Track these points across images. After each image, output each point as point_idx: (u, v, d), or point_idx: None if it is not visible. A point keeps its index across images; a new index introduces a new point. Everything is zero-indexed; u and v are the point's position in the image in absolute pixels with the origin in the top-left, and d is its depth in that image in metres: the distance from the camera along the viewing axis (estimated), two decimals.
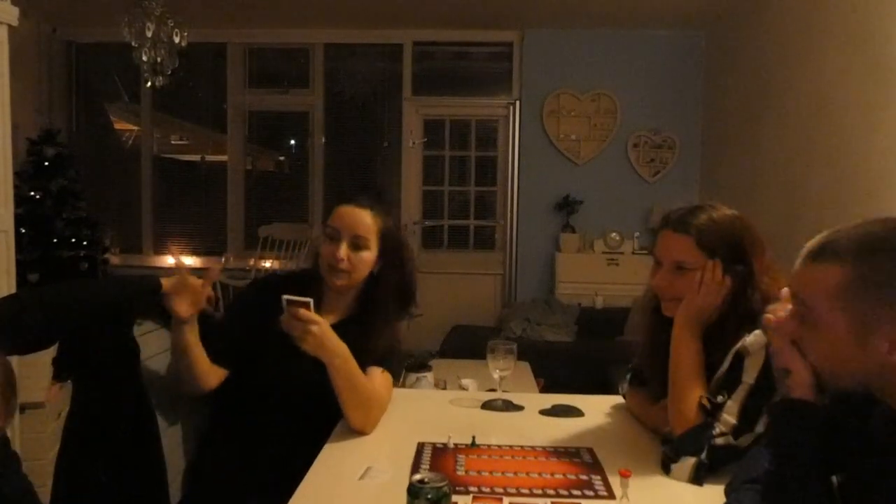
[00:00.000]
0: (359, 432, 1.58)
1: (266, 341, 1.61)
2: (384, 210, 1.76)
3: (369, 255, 1.70)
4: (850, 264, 0.92)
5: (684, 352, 1.43)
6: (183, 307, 1.54)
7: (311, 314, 1.48)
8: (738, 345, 1.36)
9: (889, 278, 0.91)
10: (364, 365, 1.63)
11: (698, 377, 1.41)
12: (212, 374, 1.62)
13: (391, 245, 1.73)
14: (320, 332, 1.49)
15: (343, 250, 1.66)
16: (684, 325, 1.44)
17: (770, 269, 1.44)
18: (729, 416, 1.33)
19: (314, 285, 1.70)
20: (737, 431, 1.32)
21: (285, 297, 1.48)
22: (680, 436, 1.37)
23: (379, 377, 1.67)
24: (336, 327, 1.62)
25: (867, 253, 0.92)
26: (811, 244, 0.99)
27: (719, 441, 1.32)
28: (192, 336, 1.58)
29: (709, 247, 1.42)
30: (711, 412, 1.35)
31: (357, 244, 1.68)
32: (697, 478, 1.32)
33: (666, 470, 1.36)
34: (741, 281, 1.42)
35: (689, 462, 1.33)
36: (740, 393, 1.33)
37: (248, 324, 1.66)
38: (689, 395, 1.39)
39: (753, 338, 1.34)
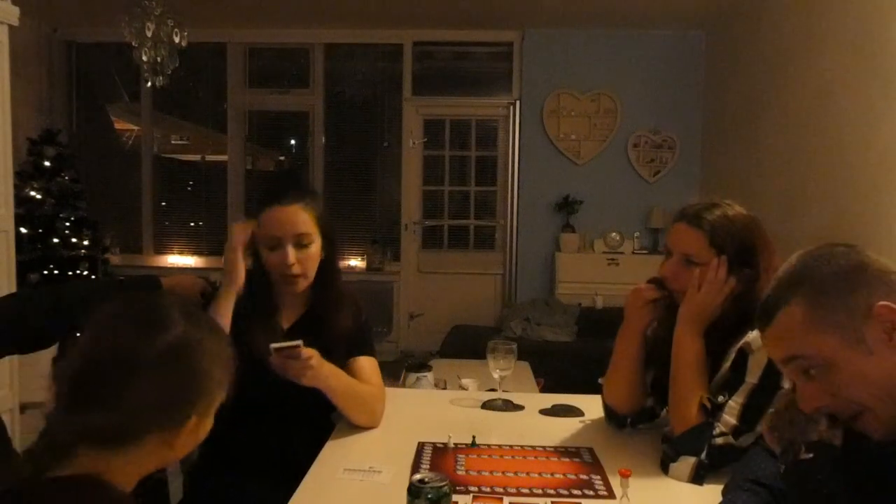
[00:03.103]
0: (368, 428, 1.61)
1: (251, 354, 1.60)
2: (310, 195, 1.67)
3: (316, 248, 1.64)
4: (798, 296, 0.95)
5: (686, 351, 1.42)
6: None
7: (306, 352, 1.46)
8: (741, 342, 1.35)
9: (830, 278, 0.94)
10: (345, 353, 1.65)
11: (700, 377, 1.40)
12: None
13: (328, 227, 1.67)
14: (318, 364, 1.48)
15: (291, 255, 1.59)
16: (686, 324, 1.43)
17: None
18: (730, 417, 1.33)
19: (265, 290, 1.66)
20: (737, 432, 1.32)
21: (273, 345, 1.45)
22: (680, 435, 1.36)
23: (368, 368, 1.68)
24: (300, 325, 1.65)
25: (801, 279, 0.96)
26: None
27: (719, 441, 1.32)
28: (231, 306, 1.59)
29: (719, 244, 1.41)
30: (712, 412, 1.35)
31: (301, 242, 1.60)
32: (698, 477, 1.32)
33: (664, 469, 1.36)
34: (747, 284, 1.40)
35: (688, 462, 1.33)
36: (743, 393, 1.33)
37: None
38: (691, 395, 1.38)
39: (756, 334, 1.32)
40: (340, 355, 1.64)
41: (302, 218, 1.61)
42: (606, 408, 1.65)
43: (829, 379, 0.94)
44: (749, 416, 1.31)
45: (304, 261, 1.61)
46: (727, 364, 1.38)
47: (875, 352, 0.91)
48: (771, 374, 1.30)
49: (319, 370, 1.49)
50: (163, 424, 0.88)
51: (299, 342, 1.45)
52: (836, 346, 0.92)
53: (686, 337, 1.42)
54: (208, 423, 0.95)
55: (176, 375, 0.89)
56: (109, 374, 0.86)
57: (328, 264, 1.68)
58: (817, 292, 0.94)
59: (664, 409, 1.61)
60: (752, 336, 1.33)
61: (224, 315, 1.56)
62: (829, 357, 0.93)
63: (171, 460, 0.94)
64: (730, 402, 1.34)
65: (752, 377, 1.32)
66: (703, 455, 1.32)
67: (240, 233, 1.61)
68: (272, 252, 1.61)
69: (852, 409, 0.95)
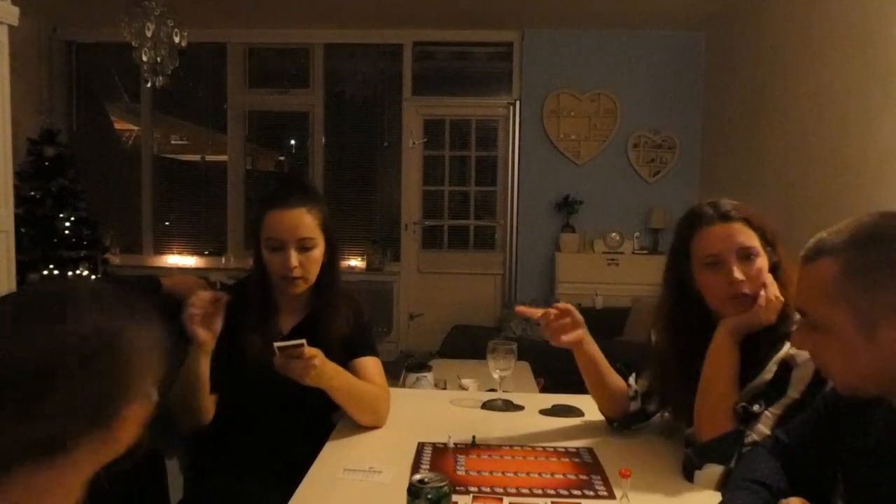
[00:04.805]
0: (372, 428, 1.61)
1: (246, 352, 1.59)
2: (315, 198, 1.66)
3: (318, 252, 1.63)
4: (840, 256, 0.92)
5: (725, 359, 1.36)
6: (207, 334, 1.52)
7: (309, 351, 1.45)
8: (783, 353, 1.32)
9: (880, 264, 0.90)
10: (347, 355, 1.65)
11: (734, 385, 1.35)
12: (212, 404, 1.61)
13: (331, 230, 1.67)
14: (321, 363, 1.48)
15: (294, 258, 1.58)
16: (731, 333, 1.38)
17: (791, 262, 1.40)
18: (765, 428, 1.28)
19: (265, 292, 1.65)
20: None
21: (277, 344, 1.45)
22: (708, 442, 1.31)
23: (371, 368, 1.68)
24: (301, 329, 1.64)
25: (856, 243, 0.92)
26: (804, 250, 0.98)
27: None
28: (207, 363, 1.55)
29: (759, 228, 1.39)
30: (745, 420, 1.31)
31: (304, 245, 1.59)
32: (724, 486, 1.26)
33: (689, 476, 1.32)
34: (773, 270, 1.39)
35: (716, 470, 1.28)
36: (782, 405, 1.29)
37: (222, 344, 1.58)
38: (724, 403, 1.33)
39: None
40: (340, 357, 1.63)
41: (305, 221, 1.60)
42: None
43: (823, 341, 0.96)
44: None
45: (306, 264, 1.61)
46: (768, 376, 1.33)
47: (878, 345, 0.91)
48: (813, 390, 1.26)
49: (322, 370, 1.48)
50: (92, 427, 0.79)
51: (302, 341, 1.45)
52: (844, 323, 0.92)
53: (727, 343, 1.37)
54: (148, 405, 0.85)
55: (96, 374, 0.78)
56: (17, 384, 0.75)
57: (329, 267, 1.68)
58: (861, 267, 0.91)
59: (659, 412, 1.61)
60: (795, 349, 1.30)
61: (201, 373, 1.54)
62: (832, 328, 0.94)
63: (122, 450, 0.86)
64: (766, 412, 1.30)
65: (795, 392, 1.28)
66: (733, 464, 1.27)
67: (206, 303, 1.52)
68: (274, 254, 1.60)
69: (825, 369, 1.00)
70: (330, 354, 1.55)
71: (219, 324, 1.53)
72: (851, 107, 3.35)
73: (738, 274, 1.36)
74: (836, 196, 3.46)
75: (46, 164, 4.74)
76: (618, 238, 5.44)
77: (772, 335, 1.36)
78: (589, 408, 1.75)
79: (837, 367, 0.97)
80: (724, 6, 4.80)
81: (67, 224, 4.75)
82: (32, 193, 4.67)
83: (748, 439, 1.28)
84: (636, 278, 5.05)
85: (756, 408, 1.31)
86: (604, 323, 5.01)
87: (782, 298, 1.36)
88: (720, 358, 1.37)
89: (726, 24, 4.98)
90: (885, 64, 3.08)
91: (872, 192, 3.15)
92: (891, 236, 0.92)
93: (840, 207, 3.40)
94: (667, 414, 1.60)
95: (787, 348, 1.32)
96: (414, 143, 5.78)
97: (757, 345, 1.37)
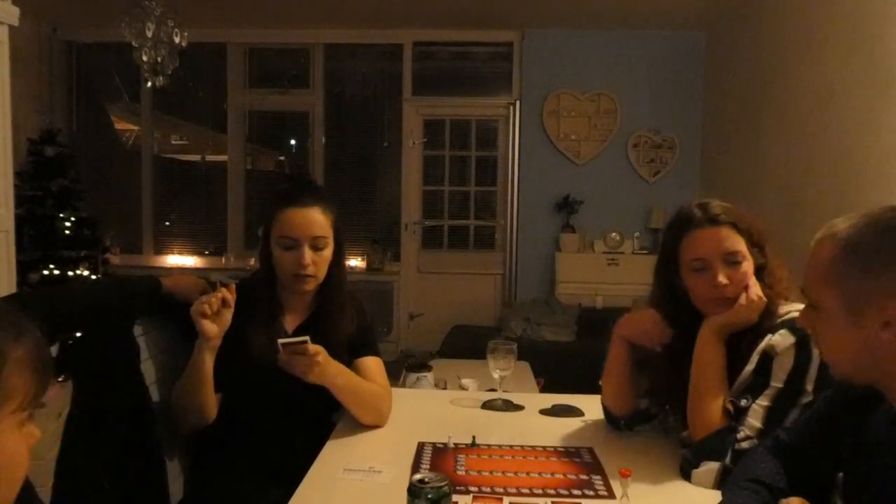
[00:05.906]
0: (374, 427, 1.62)
1: (249, 351, 1.60)
2: (326, 198, 1.70)
3: (329, 251, 1.66)
4: (840, 239, 0.95)
5: (711, 357, 1.38)
6: (215, 329, 1.52)
7: (313, 348, 1.47)
8: (764, 344, 1.33)
9: (875, 252, 0.92)
10: (350, 355, 1.66)
11: (722, 382, 1.37)
12: (215, 404, 1.61)
13: (340, 231, 1.70)
14: (324, 361, 1.49)
15: (307, 256, 1.61)
16: (715, 332, 1.39)
17: (778, 263, 1.43)
18: (754, 421, 1.29)
19: (270, 289, 1.67)
20: (761, 435, 1.28)
21: (281, 341, 1.47)
22: (702, 440, 1.32)
23: (374, 368, 1.69)
24: (305, 328, 1.64)
25: (859, 229, 0.95)
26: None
27: (744, 445, 1.28)
28: (212, 360, 1.55)
29: (746, 231, 1.40)
30: (735, 416, 1.32)
31: (317, 245, 1.63)
32: (723, 483, 1.26)
33: (686, 476, 1.33)
34: (758, 271, 1.40)
35: (712, 467, 1.29)
36: (767, 396, 1.30)
37: (225, 344, 1.58)
38: (713, 400, 1.34)
39: (780, 338, 1.31)
40: (345, 357, 1.64)
41: (319, 220, 1.63)
42: (604, 409, 1.65)
43: (819, 322, 1.00)
44: (773, 419, 1.28)
45: (318, 262, 1.63)
46: (750, 367, 1.35)
47: (863, 330, 0.93)
48: (796, 378, 1.28)
49: (326, 367, 1.50)
50: None
51: (306, 338, 1.47)
52: (834, 304, 0.95)
53: (712, 341, 1.39)
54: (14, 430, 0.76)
55: None
56: None
57: (336, 268, 1.70)
58: (856, 251, 0.93)
59: (661, 413, 1.61)
60: (776, 339, 1.32)
61: (206, 370, 1.55)
62: (824, 309, 0.97)
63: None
64: (754, 405, 1.31)
65: (777, 381, 1.30)
66: (728, 460, 1.28)
67: (217, 303, 1.54)
68: (286, 252, 1.62)
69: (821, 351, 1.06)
70: (334, 354, 1.56)
71: (228, 319, 1.54)
72: (852, 106, 3.35)
73: (722, 278, 1.38)
74: (836, 196, 3.46)
75: (46, 164, 4.74)
76: (618, 238, 5.44)
77: (755, 331, 1.37)
78: (589, 408, 1.75)
79: (829, 349, 1.01)
80: (724, 6, 4.80)
81: (67, 224, 4.75)
82: (32, 193, 4.67)
83: (740, 434, 1.30)
84: (636, 278, 5.04)
85: (744, 402, 1.32)
86: (604, 323, 5.01)
87: (765, 298, 1.38)
88: (706, 355, 1.39)
89: (726, 24, 4.98)
90: (885, 64, 3.08)
91: (873, 192, 3.15)
92: (892, 227, 0.93)
93: (841, 207, 3.39)
94: (667, 408, 1.59)
95: (767, 340, 1.33)
96: (414, 143, 5.78)
97: (741, 342, 1.38)
